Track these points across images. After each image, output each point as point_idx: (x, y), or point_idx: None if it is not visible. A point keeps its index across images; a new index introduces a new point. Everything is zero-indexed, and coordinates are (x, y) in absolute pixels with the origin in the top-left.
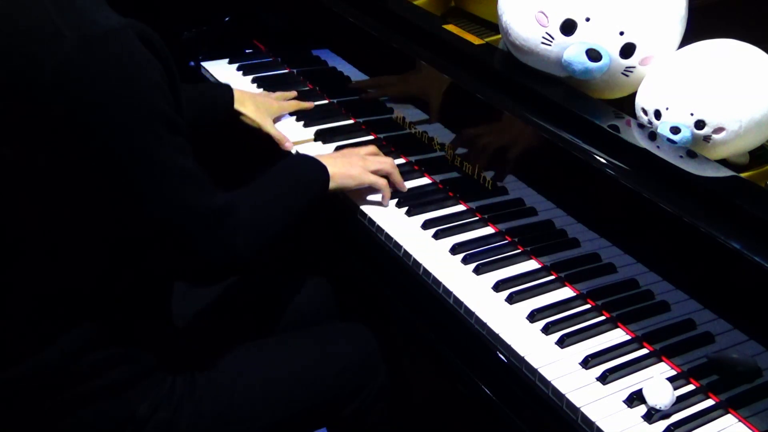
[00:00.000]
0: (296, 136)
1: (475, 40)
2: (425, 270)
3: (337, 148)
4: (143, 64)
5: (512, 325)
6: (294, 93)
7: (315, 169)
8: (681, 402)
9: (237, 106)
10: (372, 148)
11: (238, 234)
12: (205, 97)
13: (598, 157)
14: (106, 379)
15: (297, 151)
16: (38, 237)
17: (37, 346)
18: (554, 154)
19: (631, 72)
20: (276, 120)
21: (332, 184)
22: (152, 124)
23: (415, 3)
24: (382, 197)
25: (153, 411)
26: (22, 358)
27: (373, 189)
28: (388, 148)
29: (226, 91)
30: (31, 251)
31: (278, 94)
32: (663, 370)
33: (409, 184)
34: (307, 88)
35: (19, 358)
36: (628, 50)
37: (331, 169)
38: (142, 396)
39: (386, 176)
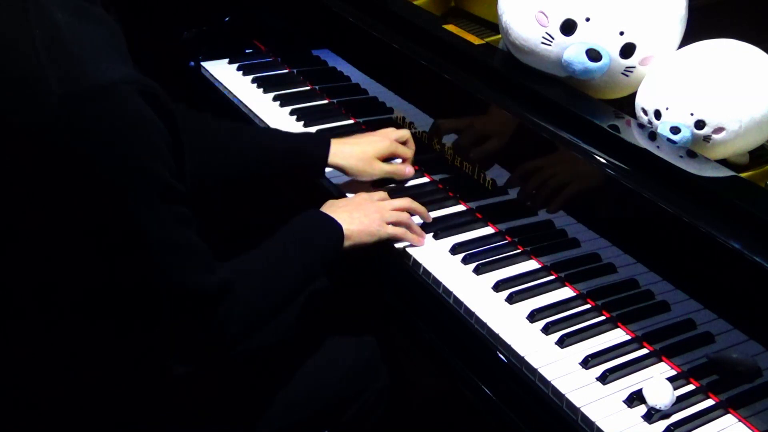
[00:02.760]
0: None
1: (475, 40)
2: (425, 270)
3: None
4: (137, 124)
5: (512, 325)
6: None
7: (328, 229)
8: (681, 402)
9: (332, 160)
10: (382, 194)
11: (232, 318)
12: (294, 145)
13: (598, 157)
14: (107, 398)
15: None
16: (34, 259)
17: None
18: (554, 154)
19: (631, 72)
20: (274, 119)
21: (348, 243)
22: (145, 189)
23: (415, 3)
24: (407, 242)
25: (154, 428)
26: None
27: None
28: None
29: (322, 147)
30: (30, 271)
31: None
32: (663, 370)
33: (409, 183)
34: (307, 88)
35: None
36: (628, 50)
37: (346, 227)
38: (142, 412)
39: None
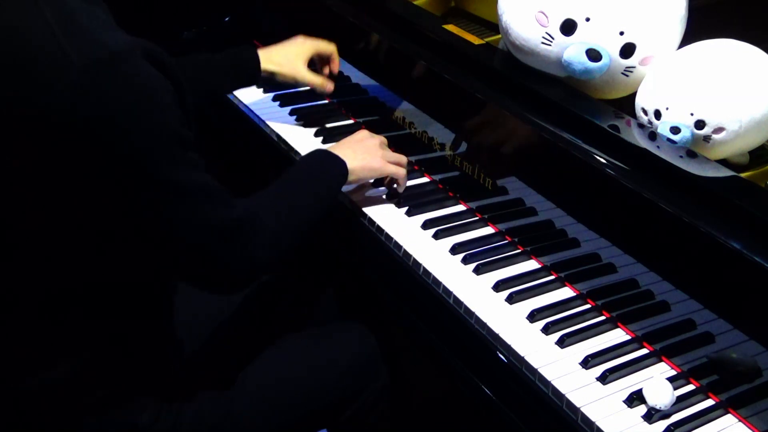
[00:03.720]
0: (296, 137)
1: (475, 40)
2: (425, 270)
3: None
4: (152, 85)
5: (512, 325)
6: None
7: (333, 164)
8: (681, 402)
9: (264, 66)
10: (382, 139)
11: (259, 244)
12: (230, 66)
13: (598, 157)
14: (108, 390)
15: (297, 152)
16: (46, 248)
17: (44, 360)
18: (554, 154)
19: (631, 72)
20: (275, 119)
21: (352, 177)
22: (165, 145)
23: (415, 3)
24: (397, 184)
25: (154, 419)
26: (29, 371)
27: (371, 186)
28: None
29: (251, 59)
30: (38, 262)
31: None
32: (663, 370)
33: (409, 183)
34: (308, 88)
35: (25, 371)
36: (628, 50)
37: (350, 163)
38: (143, 405)
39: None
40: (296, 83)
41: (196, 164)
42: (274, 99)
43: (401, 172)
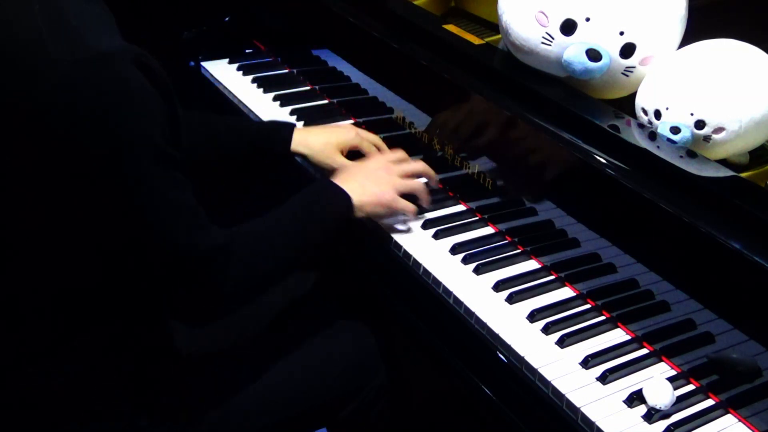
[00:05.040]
0: None
1: (475, 40)
2: (425, 270)
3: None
4: (136, 92)
5: (512, 325)
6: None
7: (336, 199)
8: (681, 402)
9: (294, 147)
10: (400, 154)
11: (230, 278)
12: (258, 131)
13: (598, 157)
14: (106, 393)
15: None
16: (37, 249)
17: (42, 363)
18: (554, 153)
19: (631, 72)
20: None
21: (360, 214)
22: (141, 155)
23: (415, 3)
24: (421, 199)
25: (153, 421)
26: (26, 374)
27: None
28: (388, 148)
29: (284, 135)
30: (31, 264)
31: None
32: (663, 370)
33: None
34: (307, 88)
35: (22, 374)
36: (628, 50)
37: (357, 198)
38: (141, 407)
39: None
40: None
41: (175, 183)
42: (275, 99)
43: (410, 208)
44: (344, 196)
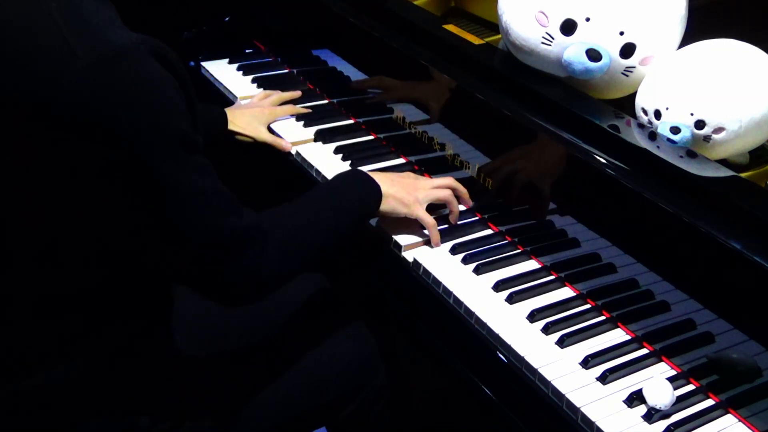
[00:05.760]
0: (296, 137)
1: (475, 40)
2: (425, 270)
3: (337, 149)
4: (158, 83)
5: (512, 325)
6: (297, 93)
7: (366, 187)
8: (681, 402)
9: (230, 126)
10: (441, 181)
11: (263, 261)
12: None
13: (598, 157)
14: (106, 392)
15: (297, 151)
16: (45, 249)
17: (42, 362)
18: (554, 154)
19: (631, 72)
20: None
21: (384, 206)
22: (170, 145)
23: (415, 3)
24: (430, 236)
25: (153, 421)
26: (27, 373)
27: None
28: (387, 148)
29: (220, 115)
30: (37, 263)
31: (275, 97)
32: (663, 370)
33: None
34: (307, 88)
35: (23, 373)
36: (628, 50)
37: (385, 189)
38: (141, 407)
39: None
40: (254, 140)
41: (203, 168)
42: None
43: (429, 221)
44: (374, 183)
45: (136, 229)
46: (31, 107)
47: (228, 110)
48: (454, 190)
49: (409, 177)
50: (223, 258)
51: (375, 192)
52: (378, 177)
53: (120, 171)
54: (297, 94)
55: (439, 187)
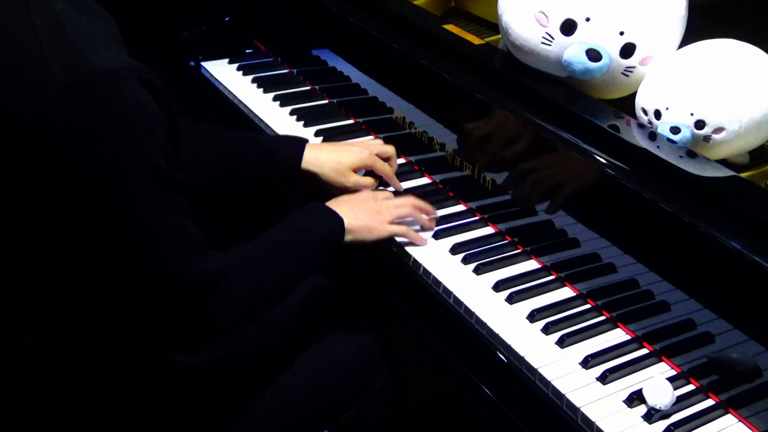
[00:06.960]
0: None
1: (475, 40)
2: (425, 270)
3: None
4: (136, 110)
5: (512, 325)
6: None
7: (329, 221)
8: (681, 402)
9: (308, 166)
10: (386, 194)
11: (224, 309)
12: (267, 150)
13: (598, 157)
14: (107, 392)
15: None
16: (39, 250)
17: (42, 361)
18: (554, 154)
19: (631, 72)
20: (275, 119)
21: (348, 237)
22: (140, 179)
23: (415, 3)
24: (412, 240)
25: (154, 423)
26: (28, 372)
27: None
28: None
29: (296, 149)
30: (33, 263)
31: (373, 145)
32: (663, 370)
33: (409, 184)
34: (307, 88)
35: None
36: (628, 50)
37: (348, 221)
38: (142, 408)
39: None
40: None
41: (176, 206)
42: (275, 99)
43: (400, 230)
44: (337, 218)
45: (112, 250)
46: (8, 123)
47: (311, 147)
48: (416, 208)
49: (368, 200)
50: (184, 300)
51: (339, 225)
52: (340, 208)
53: (91, 193)
54: (390, 150)
55: (401, 206)
